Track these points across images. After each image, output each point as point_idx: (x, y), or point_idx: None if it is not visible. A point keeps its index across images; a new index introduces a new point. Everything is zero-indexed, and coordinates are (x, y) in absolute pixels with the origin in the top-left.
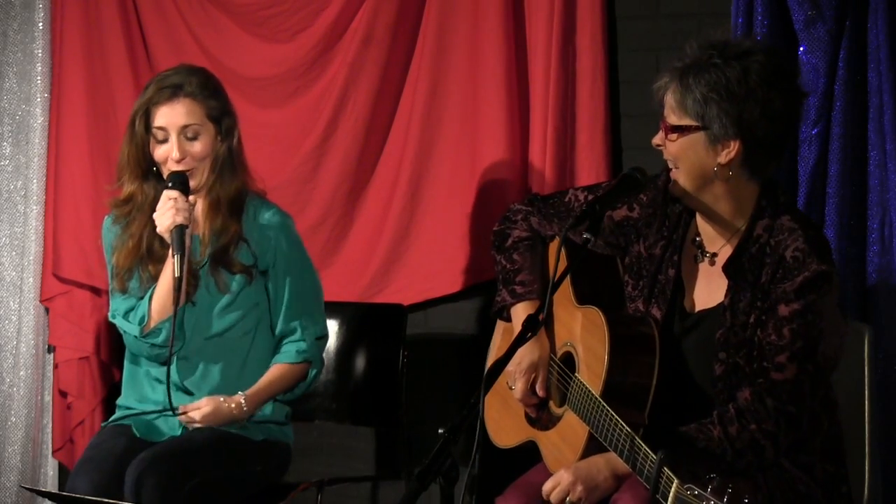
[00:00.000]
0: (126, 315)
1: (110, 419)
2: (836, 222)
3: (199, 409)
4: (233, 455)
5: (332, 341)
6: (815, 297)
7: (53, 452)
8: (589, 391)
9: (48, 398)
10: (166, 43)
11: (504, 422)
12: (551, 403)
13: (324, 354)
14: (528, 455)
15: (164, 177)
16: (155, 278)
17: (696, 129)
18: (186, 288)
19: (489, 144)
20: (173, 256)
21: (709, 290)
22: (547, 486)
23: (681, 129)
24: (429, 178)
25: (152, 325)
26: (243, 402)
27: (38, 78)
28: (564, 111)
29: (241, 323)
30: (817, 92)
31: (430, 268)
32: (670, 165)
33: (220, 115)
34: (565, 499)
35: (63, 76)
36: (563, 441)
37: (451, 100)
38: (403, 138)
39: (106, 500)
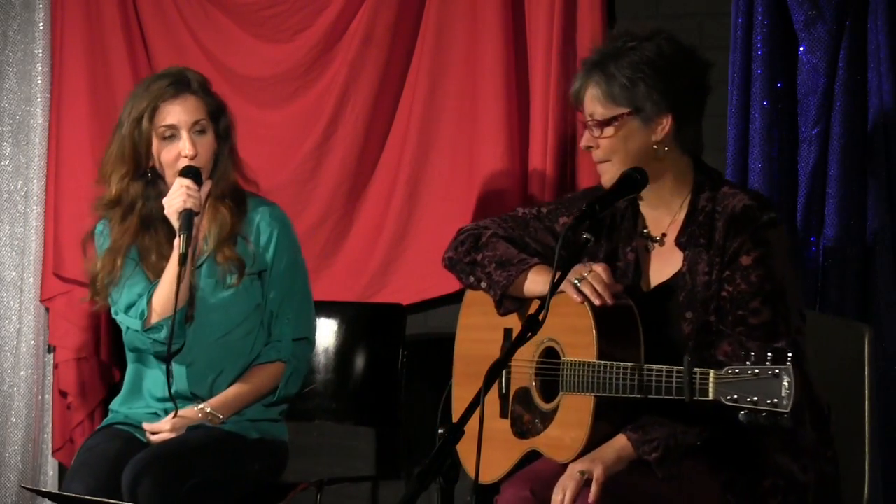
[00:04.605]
0: (127, 310)
1: (103, 423)
2: (836, 222)
3: (168, 423)
4: (229, 454)
5: (331, 341)
6: (772, 243)
7: (53, 452)
8: (584, 363)
9: (48, 398)
10: (166, 43)
11: (487, 456)
12: (541, 404)
13: (320, 357)
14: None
15: (167, 178)
16: (156, 275)
17: (628, 114)
18: (185, 297)
19: (488, 144)
20: (180, 236)
21: (661, 267)
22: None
23: (613, 120)
24: (427, 178)
25: (154, 319)
26: (209, 410)
27: (38, 78)
28: (565, 111)
29: (244, 323)
30: (817, 92)
31: (428, 268)
32: (600, 161)
33: (218, 113)
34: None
35: (63, 76)
36: (566, 426)
37: (450, 100)
38: (403, 138)
39: (107, 501)
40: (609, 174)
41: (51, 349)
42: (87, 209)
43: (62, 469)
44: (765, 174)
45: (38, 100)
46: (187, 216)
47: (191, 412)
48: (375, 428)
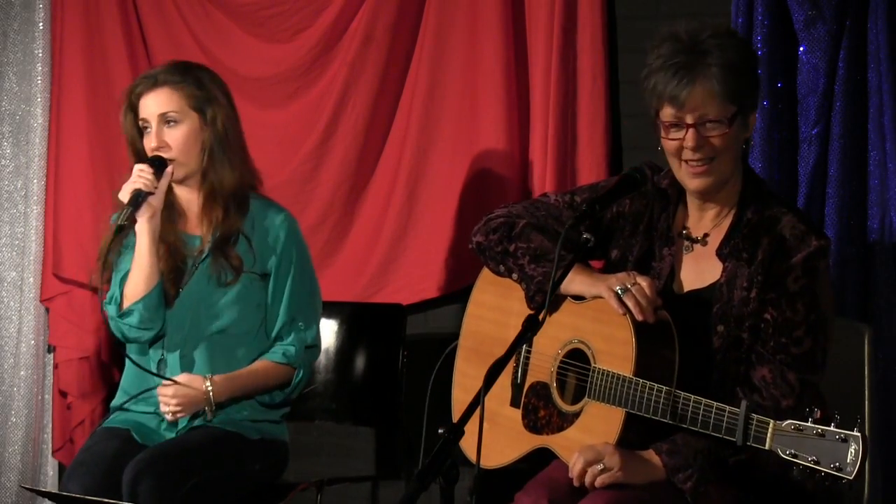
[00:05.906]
0: (110, 300)
1: (103, 422)
2: (836, 222)
3: (171, 387)
4: (229, 455)
5: (331, 341)
6: (821, 271)
7: (53, 452)
8: (617, 375)
9: (48, 398)
10: (166, 43)
11: (494, 441)
12: (561, 404)
13: (320, 357)
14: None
15: None
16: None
17: (737, 112)
18: (171, 284)
19: (488, 144)
20: (124, 210)
21: (697, 273)
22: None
23: (732, 119)
24: (427, 178)
25: (126, 304)
26: (208, 385)
27: (38, 78)
28: (565, 111)
29: (244, 321)
30: (817, 92)
31: (428, 268)
32: (707, 159)
33: (203, 104)
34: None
35: (63, 76)
36: (589, 433)
37: (449, 100)
38: (403, 138)
39: (107, 501)
40: (715, 173)
41: (51, 349)
42: (86, 209)
43: (62, 469)
44: (765, 174)
45: (38, 100)
46: (136, 195)
47: (194, 378)
48: (375, 428)
